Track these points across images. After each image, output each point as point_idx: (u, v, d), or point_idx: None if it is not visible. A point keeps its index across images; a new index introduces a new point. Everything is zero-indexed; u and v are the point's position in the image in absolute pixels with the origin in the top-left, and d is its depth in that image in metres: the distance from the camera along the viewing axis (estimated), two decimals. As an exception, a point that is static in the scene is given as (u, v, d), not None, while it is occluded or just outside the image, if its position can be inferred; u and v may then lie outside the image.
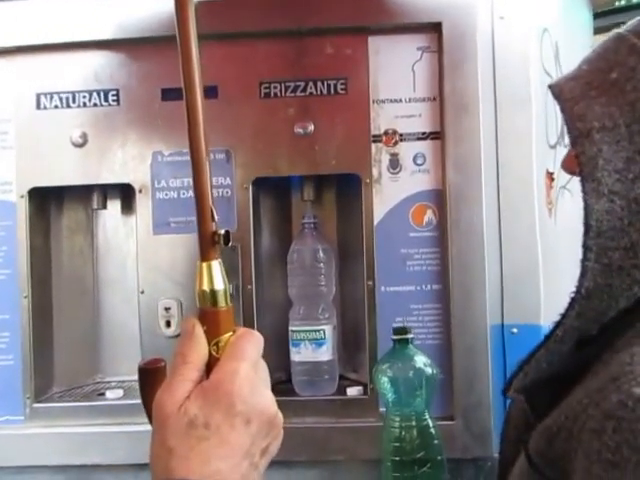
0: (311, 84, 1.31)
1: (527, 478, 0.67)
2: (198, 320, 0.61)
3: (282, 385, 1.35)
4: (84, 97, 1.34)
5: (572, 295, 0.67)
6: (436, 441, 1.11)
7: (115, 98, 1.34)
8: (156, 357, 0.65)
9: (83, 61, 1.34)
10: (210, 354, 0.60)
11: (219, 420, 0.56)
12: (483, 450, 1.21)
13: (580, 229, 0.66)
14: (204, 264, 0.63)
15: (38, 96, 1.35)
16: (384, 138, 1.29)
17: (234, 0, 1.29)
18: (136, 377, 1.44)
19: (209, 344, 0.60)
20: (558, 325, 0.69)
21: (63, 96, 1.34)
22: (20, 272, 1.33)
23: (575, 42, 1.46)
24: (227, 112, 1.29)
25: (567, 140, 0.68)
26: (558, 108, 0.70)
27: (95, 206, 1.43)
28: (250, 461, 0.58)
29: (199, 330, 0.60)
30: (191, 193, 1.39)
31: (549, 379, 0.71)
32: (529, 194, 1.25)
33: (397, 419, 1.12)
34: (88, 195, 1.43)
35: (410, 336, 1.14)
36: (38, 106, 1.35)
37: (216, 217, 0.62)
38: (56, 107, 1.34)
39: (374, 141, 1.29)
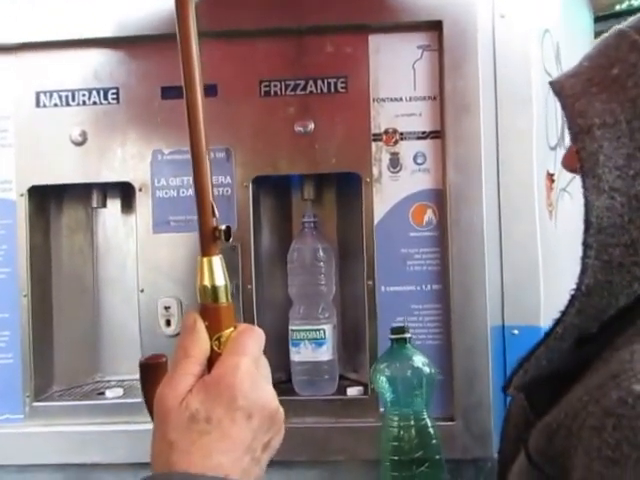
0: (311, 82, 1.30)
1: (527, 476, 0.67)
2: (199, 315, 0.61)
3: (282, 385, 1.35)
4: (84, 95, 1.34)
5: (572, 292, 0.67)
6: (434, 440, 1.11)
7: (115, 96, 1.33)
8: (157, 353, 0.65)
9: (83, 59, 1.34)
10: (212, 349, 0.60)
11: (220, 414, 0.56)
12: (483, 451, 1.21)
13: (580, 232, 0.65)
14: (205, 259, 0.63)
15: (38, 94, 1.34)
16: (384, 137, 1.29)
17: (234, -2, 1.29)
18: (136, 376, 1.44)
19: (210, 339, 0.61)
20: (558, 322, 0.69)
21: (63, 94, 1.34)
22: (20, 271, 1.33)
23: (576, 44, 1.45)
24: (227, 111, 1.29)
25: (567, 141, 0.68)
26: (559, 107, 0.69)
27: (95, 205, 1.43)
28: (252, 456, 0.58)
29: (200, 325, 0.61)
30: (191, 192, 1.38)
31: (549, 377, 0.71)
32: (529, 194, 1.24)
33: (395, 418, 1.12)
34: (88, 194, 1.43)
35: (408, 335, 1.13)
36: (38, 104, 1.34)
37: (217, 212, 0.62)
38: (56, 105, 1.34)
39: (374, 140, 1.29)
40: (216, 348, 0.60)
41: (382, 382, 1.13)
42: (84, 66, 1.34)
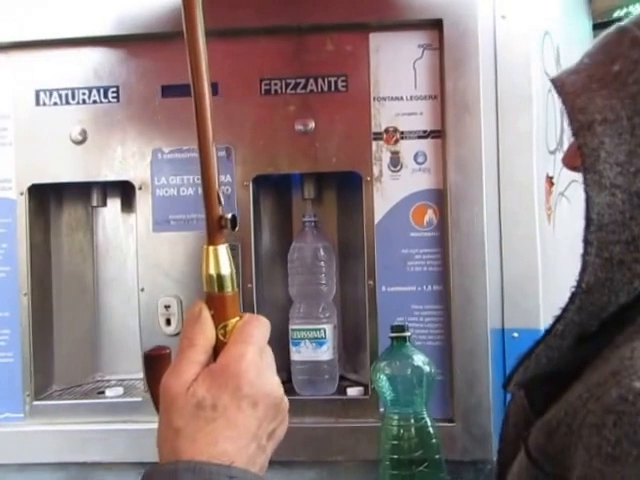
0: (312, 81, 1.30)
1: (526, 475, 0.66)
2: (205, 304, 0.61)
3: (282, 384, 1.34)
4: (84, 94, 1.34)
5: (572, 290, 0.67)
6: (434, 440, 1.11)
7: (115, 95, 1.33)
8: (161, 345, 0.66)
9: (83, 58, 1.34)
10: (217, 338, 0.60)
11: (226, 402, 0.57)
12: (483, 453, 1.21)
13: (577, 237, 0.65)
14: (211, 248, 0.62)
15: (37, 93, 1.34)
16: (385, 136, 1.28)
17: (234, -3, 1.28)
18: (136, 375, 1.45)
19: (216, 328, 0.60)
20: (558, 320, 0.69)
21: (62, 93, 1.34)
22: (20, 270, 1.33)
23: (575, 50, 1.44)
24: (227, 109, 1.28)
25: (566, 147, 0.67)
26: (558, 112, 0.69)
27: (95, 203, 1.43)
28: (257, 444, 0.58)
29: (206, 313, 0.60)
30: (191, 190, 1.39)
31: (549, 375, 0.71)
32: (529, 197, 1.24)
33: (395, 417, 1.12)
34: (88, 192, 1.43)
35: (408, 334, 1.13)
36: (37, 103, 1.34)
37: (222, 201, 0.61)
38: (55, 104, 1.34)
39: (375, 139, 1.28)
40: (221, 337, 0.60)
41: (382, 381, 1.13)
42: (84, 64, 1.34)
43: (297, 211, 1.43)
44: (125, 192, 1.44)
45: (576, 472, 0.57)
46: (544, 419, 0.65)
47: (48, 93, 1.34)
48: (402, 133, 1.28)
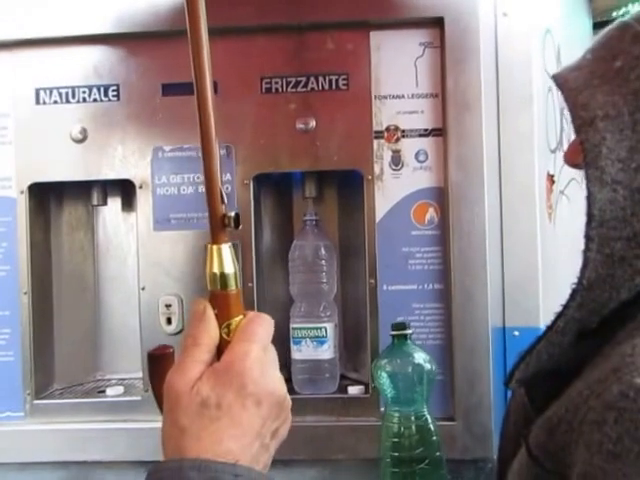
0: (312, 79, 1.30)
1: (526, 472, 0.66)
2: (209, 303, 0.61)
3: (284, 383, 1.34)
4: (84, 92, 1.33)
5: (573, 286, 0.67)
6: (434, 437, 1.11)
7: (115, 93, 1.33)
8: (164, 344, 0.66)
9: (83, 56, 1.33)
10: (221, 336, 0.60)
11: (231, 401, 0.57)
12: (483, 451, 1.21)
13: (577, 234, 0.65)
14: (214, 247, 0.62)
15: (37, 91, 1.34)
16: (386, 134, 1.28)
17: (235, -5, 1.28)
18: (136, 374, 1.45)
19: (219, 327, 0.61)
20: (559, 316, 0.69)
21: (63, 91, 1.34)
22: (20, 268, 1.33)
23: (576, 48, 1.44)
24: (228, 108, 1.28)
25: (566, 145, 0.67)
26: (558, 111, 0.69)
27: (95, 202, 1.43)
28: (261, 442, 0.58)
29: (210, 312, 0.61)
30: (192, 189, 1.38)
31: (549, 372, 0.71)
32: (530, 194, 1.24)
33: (396, 415, 1.12)
34: (88, 191, 1.43)
35: (409, 332, 1.13)
36: (37, 101, 1.34)
37: (225, 199, 0.61)
38: (56, 102, 1.34)
39: (376, 137, 1.28)
40: (225, 336, 0.61)
41: (383, 378, 1.13)
42: (84, 63, 1.33)
43: (298, 210, 1.43)
44: (126, 191, 1.44)
45: (577, 469, 0.57)
46: (545, 416, 0.65)
47: (48, 91, 1.34)
48: (403, 131, 1.28)
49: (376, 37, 1.28)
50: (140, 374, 1.36)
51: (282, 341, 1.35)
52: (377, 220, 1.28)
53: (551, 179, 1.27)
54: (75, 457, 1.30)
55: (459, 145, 1.24)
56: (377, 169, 1.28)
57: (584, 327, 0.68)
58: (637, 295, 0.66)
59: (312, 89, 1.30)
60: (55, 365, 1.42)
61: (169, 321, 1.33)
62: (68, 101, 1.34)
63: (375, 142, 1.28)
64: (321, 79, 1.29)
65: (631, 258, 0.64)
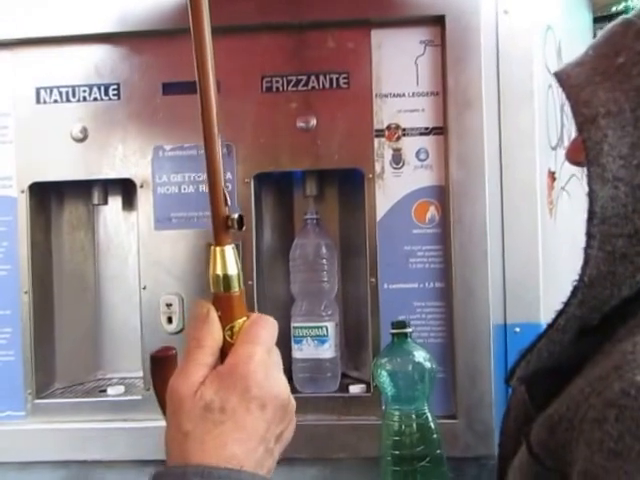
0: (313, 78, 1.29)
1: (527, 469, 0.66)
2: (212, 305, 0.61)
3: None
4: (84, 91, 1.33)
5: (575, 283, 0.67)
6: (435, 435, 1.11)
7: (116, 92, 1.33)
8: (166, 345, 0.65)
9: (83, 55, 1.33)
10: (224, 339, 0.60)
11: (235, 404, 0.56)
12: (486, 449, 1.21)
13: (578, 230, 0.65)
14: (217, 249, 0.62)
15: (38, 90, 1.34)
16: (387, 133, 1.28)
17: (235, -7, 1.28)
18: (137, 374, 1.45)
19: (223, 329, 0.60)
20: (560, 314, 0.69)
21: (63, 90, 1.34)
22: (21, 268, 1.33)
23: (577, 43, 1.44)
24: (228, 106, 1.27)
25: (566, 141, 0.67)
26: (558, 108, 0.69)
27: (96, 201, 1.43)
28: (265, 446, 0.58)
29: (213, 314, 0.60)
30: (192, 188, 1.38)
31: (550, 370, 0.70)
32: (532, 192, 1.24)
33: (396, 413, 1.12)
34: (89, 190, 1.42)
35: (409, 330, 1.13)
36: (38, 100, 1.34)
37: (229, 201, 0.61)
38: (56, 101, 1.34)
39: (377, 136, 1.28)
40: (228, 338, 0.60)
41: (383, 377, 1.13)
42: (85, 62, 1.33)
43: (299, 208, 1.42)
44: (126, 190, 1.44)
45: (577, 467, 0.57)
46: (546, 414, 0.65)
47: (49, 91, 1.34)
48: (404, 130, 1.28)
49: (377, 35, 1.27)
50: (141, 373, 1.36)
51: (283, 340, 1.34)
52: (378, 219, 1.27)
53: (552, 176, 1.27)
54: (76, 456, 1.30)
55: (460, 143, 1.24)
56: (378, 168, 1.28)
57: (585, 324, 0.68)
58: (638, 292, 0.66)
59: (313, 88, 1.30)
60: (56, 364, 1.42)
61: (170, 320, 1.32)
62: (68, 100, 1.33)
63: (376, 140, 1.28)
64: (322, 78, 1.29)
65: (632, 255, 0.64)
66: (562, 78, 0.70)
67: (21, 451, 1.31)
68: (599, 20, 1.69)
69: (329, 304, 1.36)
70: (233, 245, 0.62)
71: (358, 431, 1.26)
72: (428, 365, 1.12)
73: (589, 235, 0.65)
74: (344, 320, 1.42)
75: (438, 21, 1.25)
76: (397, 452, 1.11)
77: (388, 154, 1.28)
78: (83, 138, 1.33)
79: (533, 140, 1.24)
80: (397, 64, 1.27)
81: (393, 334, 1.13)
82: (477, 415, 1.22)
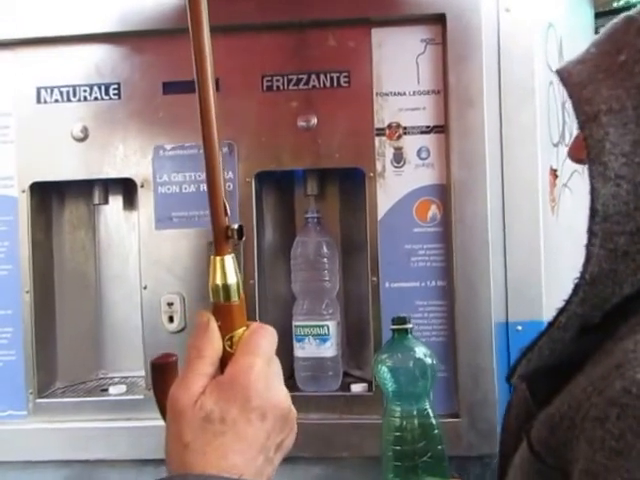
0: (314, 77, 1.29)
1: (528, 467, 0.66)
2: (212, 315, 0.61)
3: (285, 381, 1.34)
4: (85, 91, 1.33)
5: (576, 281, 0.67)
6: (436, 431, 1.11)
7: (116, 92, 1.33)
8: (167, 352, 0.65)
9: (84, 54, 1.33)
10: (224, 349, 0.60)
11: (235, 415, 0.56)
12: (489, 447, 1.20)
13: (580, 226, 0.65)
14: (217, 258, 0.62)
15: (38, 90, 1.34)
16: (388, 131, 1.28)
17: (236, -8, 1.28)
18: (139, 373, 1.45)
19: (222, 339, 0.60)
20: (562, 312, 0.69)
21: (64, 90, 1.34)
22: (22, 267, 1.33)
23: (578, 40, 1.44)
24: (229, 106, 1.28)
25: (568, 140, 0.67)
26: (559, 105, 0.68)
27: (97, 201, 1.43)
28: (265, 456, 0.58)
29: (214, 324, 0.60)
30: (193, 188, 1.38)
31: (551, 367, 0.70)
32: (533, 190, 1.24)
33: (397, 409, 1.11)
34: (90, 190, 1.42)
35: (409, 326, 1.12)
36: (39, 100, 1.34)
37: (229, 212, 0.61)
38: (57, 101, 1.34)
39: (378, 134, 1.28)
40: (228, 348, 0.60)
41: (384, 373, 1.13)
42: (85, 61, 1.33)
43: (300, 207, 1.42)
44: (127, 189, 1.44)
45: (579, 466, 0.57)
46: (547, 412, 0.65)
47: (49, 90, 1.34)
48: (405, 128, 1.28)
49: (377, 34, 1.27)
50: (142, 372, 1.36)
51: (284, 339, 1.34)
52: (379, 217, 1.27)
53: (554, 173, 1.27)
54: (78, 456, 1.30)
55: (461, 141, 1.24)
56: (379, 166, 1.28)
57: (586, 322, 0.68)
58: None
59: (313, 86, 1.29)
60: (57, 364, 1.43)
61: (171, 319, 1.32)
62: (69, 100, 1.34)
63: (377, 139, 1.28)
64: (322, 76, 1.29)
65: (634, 253, 0.64)
66: (564, 76, 0.69)
67: (23, 450, 1.31)
68: (600, 16, 1.69)
69: (330, 303, 1.36)
70: (233, 254, 0.62)
71: (360, 430, 1.26)
72: (429, 361, 1.12)
73: (591, 233, 0.65)
74: (345, 319, 1.42)
75: (439, 19, 1.25)
76: (398, 448, 1.11)
77: (389, 153, 1.28)
78: (84, 138, 1.33)
79: (535, 137, 1.24)
80: (398, 63, 1.27)
81: (394, 330, 1.13)
82: (480, 414, 1.22)
